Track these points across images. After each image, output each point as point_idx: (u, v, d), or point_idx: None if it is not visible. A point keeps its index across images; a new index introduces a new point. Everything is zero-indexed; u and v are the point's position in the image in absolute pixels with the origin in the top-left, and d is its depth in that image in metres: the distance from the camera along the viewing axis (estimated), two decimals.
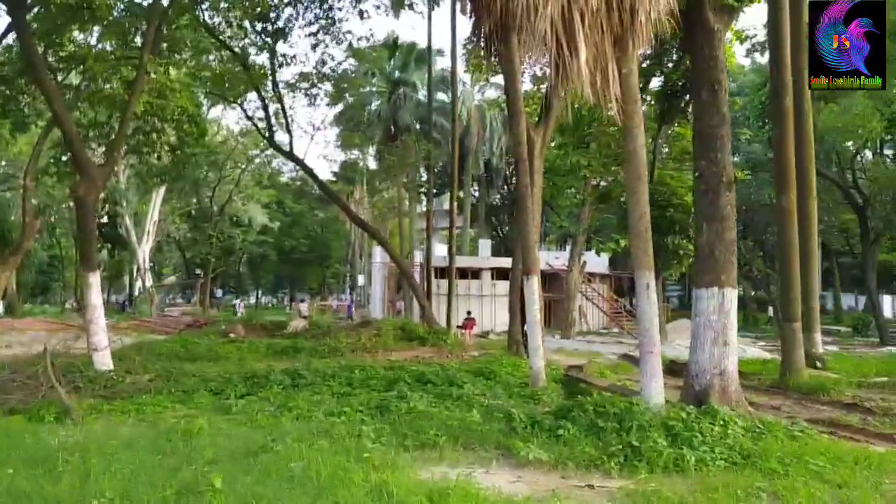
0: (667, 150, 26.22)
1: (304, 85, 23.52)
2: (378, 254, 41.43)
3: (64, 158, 22.10)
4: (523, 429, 8.22)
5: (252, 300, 68.44)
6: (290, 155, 23.86)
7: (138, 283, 40.86)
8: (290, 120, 23.04)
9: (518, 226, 13.47)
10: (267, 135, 24.09)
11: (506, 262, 38.38)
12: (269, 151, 46.22)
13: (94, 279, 12.39)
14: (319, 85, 23.26)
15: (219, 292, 56.81)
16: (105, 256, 54.65)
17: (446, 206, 51.04)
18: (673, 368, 17.70)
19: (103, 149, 20.66)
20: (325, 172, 71.29)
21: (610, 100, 8.12)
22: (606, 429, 7.81)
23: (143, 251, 40.57)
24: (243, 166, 44.83)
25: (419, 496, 5.22)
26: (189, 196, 45.59)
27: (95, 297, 12.33)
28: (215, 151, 38.49)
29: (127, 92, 14.47)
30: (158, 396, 10.52)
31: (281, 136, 33.10)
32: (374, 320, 23.09)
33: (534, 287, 12.78)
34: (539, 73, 21.50)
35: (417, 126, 34.71)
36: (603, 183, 27.92)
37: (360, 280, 59.59)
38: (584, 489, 6.24)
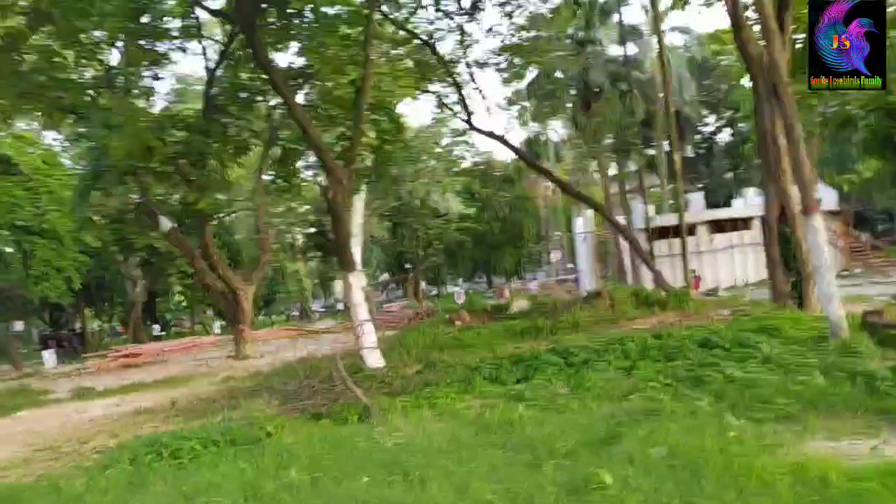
0: None
1: (496, 60, 22.85)
2: (580, 225, 40.01)
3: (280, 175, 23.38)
4: (892, 387, 6.88)
5: (450, 289, 69.97)
6: (491, 134, 23.38)
7: None
8: (485, 99, 22.56)
9: (792, 159, 11.78)
10: (465, 117, 23.76)
11: (723, 213, 35.76)
12: (453, 139, 46.71)
13: (355, 279, 12.53)
14: (512, 58, 22.44)
15: (422, 284, 58.49)
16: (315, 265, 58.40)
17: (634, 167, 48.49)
18: None
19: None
20: (506, 151, 71.47)
21: None
22: None
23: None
24: (435, 157, 45.38)
25: (868, 483, 4.17)
26: (388, 194, 47.06)
27: (359, 295, 12.45)
28: (410, 145, 39.10)
29: (354, 91, 14.60)
30: (442, 388, 10.28)
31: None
32: (604, 290, 21.93)
33: (817, 226, 11.05)
34: None
35: (609, 85, 32.92)
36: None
37: (557, 255, 58.37)
38: None
